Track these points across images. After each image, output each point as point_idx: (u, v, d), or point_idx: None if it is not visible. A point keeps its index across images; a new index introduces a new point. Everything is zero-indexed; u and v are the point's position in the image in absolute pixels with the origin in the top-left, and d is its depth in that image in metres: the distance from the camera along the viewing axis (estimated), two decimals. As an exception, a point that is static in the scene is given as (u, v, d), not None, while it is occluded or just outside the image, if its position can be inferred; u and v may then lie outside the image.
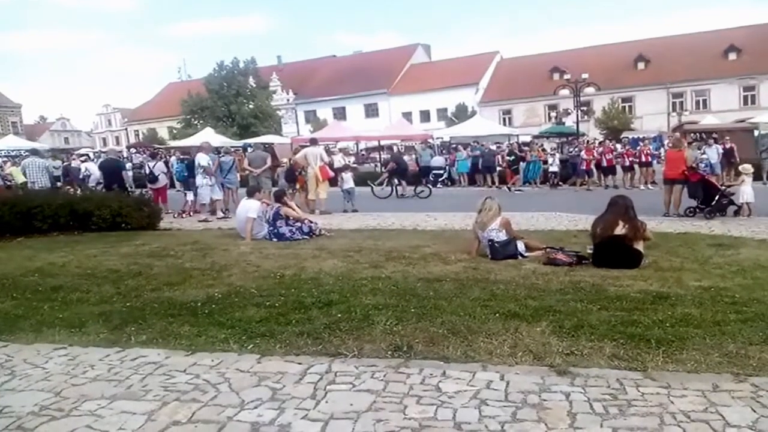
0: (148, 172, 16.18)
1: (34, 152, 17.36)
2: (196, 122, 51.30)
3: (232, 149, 22.31)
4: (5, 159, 29.28)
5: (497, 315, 4.85)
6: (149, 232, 11.05)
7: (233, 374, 3.81)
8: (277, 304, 5.37)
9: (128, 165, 22.57)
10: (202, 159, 14.15)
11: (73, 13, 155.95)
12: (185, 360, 4.09)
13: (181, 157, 19.29)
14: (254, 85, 53.25)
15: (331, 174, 15.35)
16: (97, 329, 4.83)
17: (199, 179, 14.08)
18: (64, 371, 3.98)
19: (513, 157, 22.37)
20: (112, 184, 13.81)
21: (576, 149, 22.68)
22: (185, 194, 15.76)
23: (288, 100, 66.01)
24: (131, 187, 16.99)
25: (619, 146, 22.28)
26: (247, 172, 15.81)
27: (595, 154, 21.44)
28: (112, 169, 14.94)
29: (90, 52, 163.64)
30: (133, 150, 37.61)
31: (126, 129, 78.26)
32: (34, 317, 5.24)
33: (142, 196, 12.80)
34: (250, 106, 51.39)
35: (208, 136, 32.57)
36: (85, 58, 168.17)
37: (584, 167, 21.25)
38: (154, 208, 12.26)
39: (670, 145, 14.83)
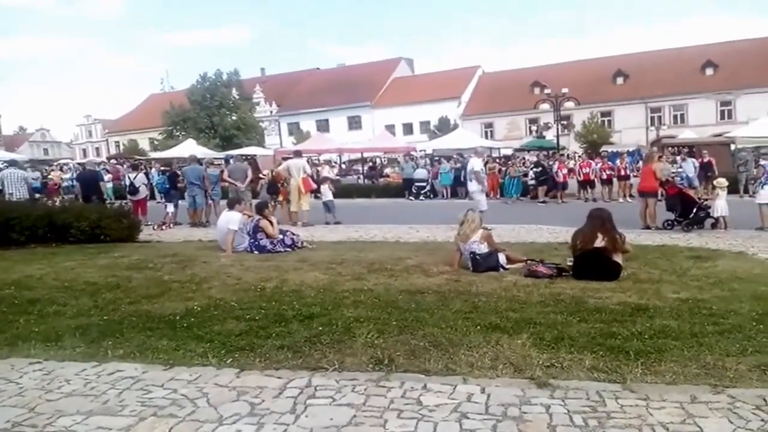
0: (128, 183, 16.03)
1: (13, 163, 17.06)
2: (178, 134, 51.04)
3: (215, 161, 22.24)
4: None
5: (478, 327, 4.86)
6: (128, 244, 10.92)
7: (212, 389, 3.76)
8: (257, 317, 5.33)
9: (107, 176, 22.31)
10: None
11: (54, 22, 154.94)
12: (163, 374, 4.04)
13: (162, 168, 19.17)
14: (237, 97, 53.16)
15: (314, 186, 15.33)
16: (73, 343, 4.75)
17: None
18: (39, 386, 3.90)
19: (540, 168, 22.43)
20: (90, 196, 13.66)
21: (548, 162, 22.94)
22: (165, 206, 15.66)
23: (271, 111, 65.99)
24: (110, 199, 16.78)
25: (593, 162, 22.45)
26: (226, 184, 15.74)
27: (567, 168, 21.71)
28: (90, 181, 14.78)
29: (71, 63, 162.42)
30: (113, 161, 37.21)
31: (107, 140, 77.58)
32: (9, 331, 5.14)
33: (121, 207, 12.64)
34: (233, 118, 51.28)
35: (190, 147, 32.43)
36: (66, 68, 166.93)
37: (560, 180, 21.45)
38: (133, 220, 12.12)
39: (646, 159, 15.07)
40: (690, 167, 19.29)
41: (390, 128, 53.05)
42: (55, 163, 37.43)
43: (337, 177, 30.62)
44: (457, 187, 24.26)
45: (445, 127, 50.44)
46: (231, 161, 26.93)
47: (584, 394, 3.51)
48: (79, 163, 38.48)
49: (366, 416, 3.31)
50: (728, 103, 47.60)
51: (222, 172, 17.17)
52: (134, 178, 15.81)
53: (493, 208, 14.00)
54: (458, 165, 24.27)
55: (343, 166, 42.09)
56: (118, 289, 6.75)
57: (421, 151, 35.75)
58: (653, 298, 5.80)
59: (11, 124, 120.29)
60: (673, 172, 19.36)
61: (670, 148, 27.38)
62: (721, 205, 12.08)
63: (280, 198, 15.44)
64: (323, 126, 62.05)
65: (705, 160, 20.39)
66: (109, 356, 4.44)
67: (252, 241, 9.86)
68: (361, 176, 33.44)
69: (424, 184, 24.95)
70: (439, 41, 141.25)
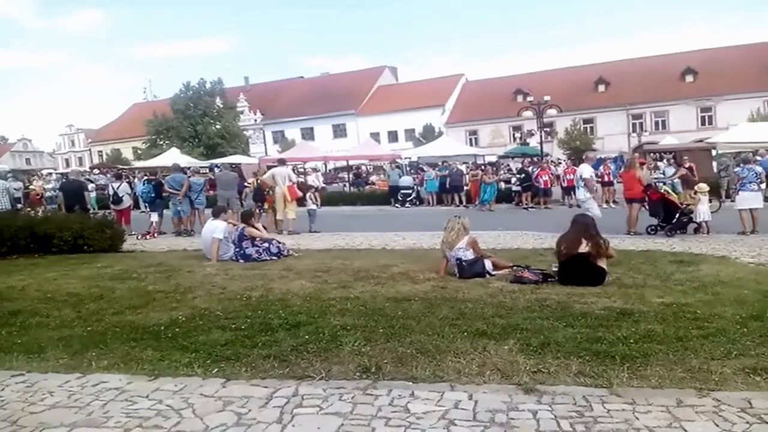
0: (111, 193, 15.90)
1: (-6, 174, 16.89)
2: (161, 143, 50.78)
3: (201, 169, 22.14)
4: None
5: (465, 334, 4.87)
6: (112, 255, 10.81)
7: (197, 399, 3.73)
8: (243, 327, 5.29)
9: (91, 186, 22.12)
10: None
11: (35, 34, 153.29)
12: (148, 385, 3.99)
13: (148, 177, 19.03)
14: (221, 106, 53.05)
15: (300, 194, 15.28)
16: (56, 354, 4.69)
17: None
18: (22, 398, 3.84)
19: (524, 175, 22.49)
20: (73, 206, 13.52)
21: (531, 168, 23.09)
22: (150, 215, 15.54)
23: (255, 120, 65.81)
24: (93, 209, 16.62)
25: (576, 169, 22.63)
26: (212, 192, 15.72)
27: (552, 174, 21.82)
28: (73, 191, 14.64)
29: (53, 72, 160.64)
30: (96, 171, 36.90)
31: (90, 150, 76.88)
32: (-11, 343, 5.06)
33: (104, 217, 12.51)
34: (217, 127, 51.11)
35: (174, 156, 32.24)
36: (48, 77, 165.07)
37: (542, 186, 21.59)
38: (116, 230, 12.00)
39: (627, 165, 15.20)
40: (671, 173, 19.48)
41: (375, 136, 53.19)
42: (38, 173, 36.99)
43: (323, 185, 30.57)
44: (443, 194, 24.36)
45: (429, 134, 50.56)
46: (216, 170, 26.84)
47: (571, 399, 3.53)
48: (61, 173, 38.04)
49: (353, 425, 3.30)
50: (708, 109, 48.21)
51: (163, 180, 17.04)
52: (118, 188, 15.67)
53: (473, 216, 14.00)
54: (446, 172, 24.37)
55: (329, 173, 42.04)
56: (101, 300, 6.68)
57: (406, 158, 35.81)
58: (638, 303, 5.84)
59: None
60: (655, 178, 19.57)
61: (652, 154, 27.65)
62: (702, 210, 12.22)
63: (266, 206, 15.38)
64: (308, 134, 62.03)
65: (686, 165, 20.63)
66: (93, 367, 4.38)
67: (237, 249, 9.81)
68: (347, 184, 33.41)
69: (410, 191, 24.98)
70: (422, 50, 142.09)
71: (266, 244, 9.97)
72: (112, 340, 5.02)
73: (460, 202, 23.43)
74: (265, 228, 11.29)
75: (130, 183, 18.18)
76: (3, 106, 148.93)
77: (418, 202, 24.93)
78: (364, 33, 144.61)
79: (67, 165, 71.04)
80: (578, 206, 19.82)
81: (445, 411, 3.42)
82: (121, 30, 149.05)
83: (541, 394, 3.61)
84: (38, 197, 23.39)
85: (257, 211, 14.84)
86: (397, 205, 24.50)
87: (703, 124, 47.97)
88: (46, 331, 5.45)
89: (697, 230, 12.22)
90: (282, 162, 17.21)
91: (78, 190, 14.81)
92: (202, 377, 4.11)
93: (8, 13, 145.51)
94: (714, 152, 24.58)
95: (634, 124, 50.36)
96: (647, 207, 12.68)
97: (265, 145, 63.95)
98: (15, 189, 17.94)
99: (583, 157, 15.58)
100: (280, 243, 10.33)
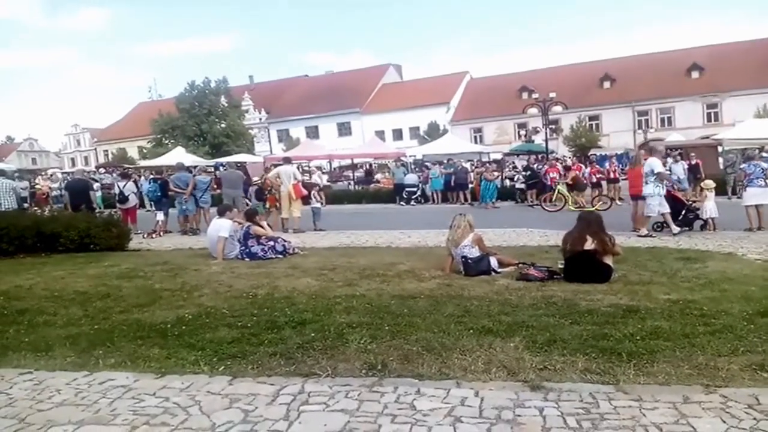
0: (117, 192, 15.95)
1: (1, 173, 16.96)
2: (167, 142, 50.95)
3: (208, 168, 22.19)
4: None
5: (471, 331, 4.86)
6: (118, 253, 10.85)
7: (204, 397, 3.74)
8: (249, 325, 5.30)
9: (96, 185, 22.20)
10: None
11: (40, 34, 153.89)
12: (154, 383, 4.01)
13: (155, 177, 19.07)
14: (226, 105, 53.18)
15: (305, 192, 15.30)
16: (64, 353, 4.71)
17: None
18: (30, 396, 3.87)
19: (529, 172, 22.47)
20: (79, 205, 13.56)
21: (538, 166, 23.03)
22: (155, 214, 15.59)
23: (260, 119, 65.91)
24: (99, 208, 16.67)
25: (583, 166, 22.59)
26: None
27: (558, 172, 21.78)
28: (79, 190, 14.69)
29: (58, 72, 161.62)
30: (102, 170, 37.02)
31: (95, 149, 77.19)
32: (-2, 341, 5.09)
33: (111, 216, 12.55)
34: (222, 125, 51.27)
35: (180, 155, 32.31)
36: (53, 77, 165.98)
37: (549, 183, 21.53)
38: (123, 229, 12.04)
39: (632, 162, 15.10)
40: (680, 169, 19.43)
41: (380, 134, 53.19)
42: (43, 173, 37.14)
43: (327, 183, 30.59)
44: (448, 192, 24.36)
45: (434, 132, 50.57)
46: (221, 168, 26.88)
47: (577, 396, 3.52)
48: (65, 172, 38.16)
49: (360, 422, 3.30)
50: (714, 105, 48.02)
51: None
52: (123, 187, 15.72)
53: (478, 213, 13.97)
54: (450, 170, 24.37)
55: (334, 171, 42.06)
56: (108, 298, 6.70)
57: (411, 156, 35.81)
58: (644, 300, 5.82)
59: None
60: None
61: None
62: (709, 206, 12.15)
63: (268, 205, 15.40)
64: (313, 132, 62.08)
65: (693, 162, 20.59)
66: (100, 365, 4.40)
67: (243, 248, 9.83)
68: (352, 182, 33.43)
69: (415, 189, 25.00)
70: (426, 48, 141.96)
71: (271, 243, 9.99)
72: (119, 338, 5.04)
73: (465, 199, 23.42)
74: (270, 226, 11.31)
75: (135, 182, 18.20)
76: (9, 105, 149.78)
77: (423, 200, 24.95)
78: (368, 31, 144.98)
79: (73, 164, 71.33)
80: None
81: (451, 408, 3.42)
82: (125, 29, 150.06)
83: (547, 391, 3.61)
84: (44, 196, 23.52)
85: (263, 209, 14.92)
86: (402, 203, 24.52)
87: (709, 120, 47.79)
88: (54, 329, 5.48)
89: (703, 227, 12.15)
90: (287, 160, 17.25)
91: (83, 189, 14.86)
92: (208, 375, 4.12)
93: (13, 13, 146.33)
94: (720, 149, 24.52)
95: (639, 121, 50.27)
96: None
97: (270, 143, 64.07)
98: (21, 188, 18.02)
99: (648, 149, 14.40)
100: (285, 241, 10.34)
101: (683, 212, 12.00)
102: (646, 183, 12.00)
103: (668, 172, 13.68)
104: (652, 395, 3.50)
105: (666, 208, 11.57)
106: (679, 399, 3.43)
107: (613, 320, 5.09)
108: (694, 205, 12.43)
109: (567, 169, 22.23)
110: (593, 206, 18.25)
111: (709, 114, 48.33)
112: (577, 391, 3.60)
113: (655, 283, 6.66)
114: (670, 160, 18.96)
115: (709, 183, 12.81)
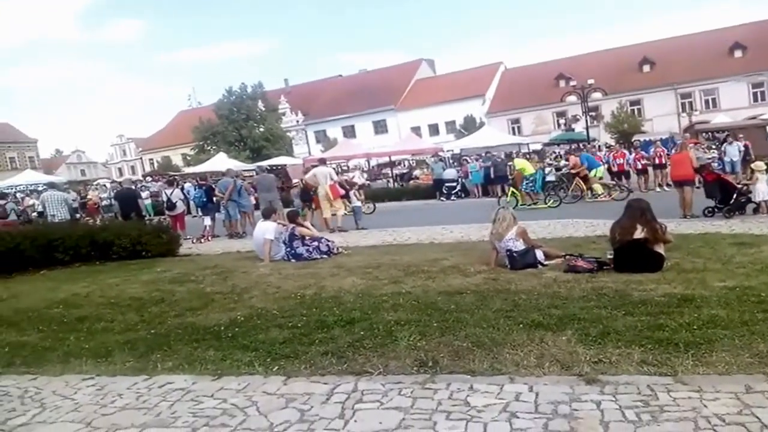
0: (165, 199, 16.36)
1: (52, 185, 17.58)
2: (209, 148, 51.99)
3: (242, 173, 22.56)
4: (24, 194, 29.79)
5: (521, 325, 4.82)
6: (169, 259, 11.11)
7: (260, 397, 3.81)
8: (299, 325, 5.38)
9: (145, 194, 22.81)
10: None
11: (79, 49, 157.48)
12: (212, 385, 4.11)
13: (200, 183, 19.47)
14: (263, 109, 53.95)
15: (342, 192, 15.37)
16: (123, 358, 4.87)
17: None
18: (94, 401, 4.01)
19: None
20: (129, 213, 13.97)
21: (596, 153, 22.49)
22: (203, 219, 15.93)
23: (297, 121, 66.54)
24: (149, 215, 17.15)
25: (627, 153, 22.01)
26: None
27: (602, 160, 21.29)
28: (128, 199, 15.15)
29: (101, 84, 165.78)
30: (149, 178, 38.00)
31: (141, 158, 79.18)
32: (60, 349, 5.30)
33: (160, 223, 12.88)
34: (261, 130, 52.02)
35: (222, 160, 32.92)
36: (97, 90, 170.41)
37: (617, 170, 21.01)
38: (172, 235, 12.33)
39: (678, 148, 14.79)
40: (735, 151, 18.84)
41: (416, 130, 53.01)
42: (93, 183, 38.33)
43: (367, 182, 30.68)
44: (488, 185, 24.12)
45: (471, 125, 50.14)
46: (255, 172, 27.24)
47: (635, 389, 3.46)
48: (113, 182, 39.34)
49: (414, 419, 3.32)
50: (760, 84, 46.21)
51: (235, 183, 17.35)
52: (171, 194, 16.10)
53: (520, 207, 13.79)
54: (488, 163, 24.14)
55: (372, 170, 42.18)
56: (162, 303, 6.89)
57: (448, 151, 35.63)
58: (699, 288, 5.67)
59: (48, 147, 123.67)
60: (708, 158, 18.95)
61: (704, 134, 26.79)
62: (762, 188, 11.76)
63: (314, 205, 15.57)
64: (350, 132, 62.34)
65: (742, 144, 19.93)
66: (159, 369, 4.53)
67: (288, 249, 9.96)
68: (391, 180, 33.47)
69: (455, 183, 24.87)
70: (458, 40, 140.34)
71: (316, 243, 10.08)
72: (175, 342, 5.18)
73: (505, 192, 23.13)
74: (314, 226, 11.44)
75: (182, 188, 18.63)
76: (56, 119, 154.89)
77: (463, 195, 24.78)
78: (400, 26, 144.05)
79: (120, 174, 73.26)
80: (630, 191, 19.44)
81: (506, 404, 3.41)
82: (159, 39, 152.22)
83: (603, 384, 3.56)
84: (95, 206, 24.28)
85: (306, 210, 15.09)
86: (442, 198, 24.42)
87: (755, 100, 46.07)
88: (112, 335, 5.66)
89: (756, 210, 11.77)
90: (322, 161, 17.46)
91: (131, 197, 15.32)
92: (263, 375, 4.20)
93: (51, 31, 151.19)
94: (769, 129, 23.67)
95: (683, 104, 48.80)
96: (703, 188, 12.28)
97: (308, 145, 64.61)
98: (72, 200, 18.64)
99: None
100: (329, 241, 10.43)
101: (734, 196, 11.64)
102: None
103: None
104: (712, 385, 3.41)
105: None
106: (741, 389, 3.34)
107: (667, 310, 4.97)
108: (745, 188, 12.04)
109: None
110: (610, 196, 17.92)
111: (755, 93, 46.58)
112: (634, 383, 3.54)
113: (709, 270, 6.48)
114: (725, 143, 18.40)
115: (760, 164, 12.38)
